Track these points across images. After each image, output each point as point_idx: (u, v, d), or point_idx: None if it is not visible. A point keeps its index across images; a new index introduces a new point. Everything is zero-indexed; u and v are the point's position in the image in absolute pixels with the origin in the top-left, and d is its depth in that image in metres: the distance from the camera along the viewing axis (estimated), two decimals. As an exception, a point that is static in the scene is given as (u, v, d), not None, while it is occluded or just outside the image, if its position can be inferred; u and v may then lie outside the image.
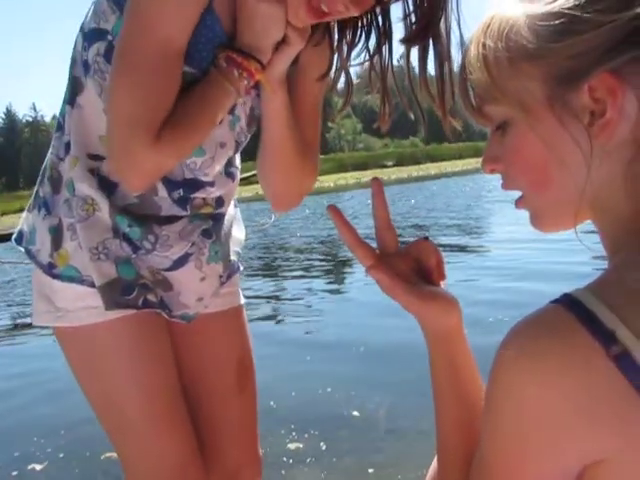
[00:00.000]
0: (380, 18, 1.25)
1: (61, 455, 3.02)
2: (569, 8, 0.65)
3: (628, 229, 0.67)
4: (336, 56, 1.29)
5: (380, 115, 1.31)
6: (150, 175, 1.19)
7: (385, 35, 1.25)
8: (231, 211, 1.52)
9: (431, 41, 1.17)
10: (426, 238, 0.87)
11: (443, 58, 1.18)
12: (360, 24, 1.26)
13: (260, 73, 1.21)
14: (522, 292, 4.99)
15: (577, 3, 0.65)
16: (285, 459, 2.77)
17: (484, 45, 0.71)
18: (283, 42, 1.21)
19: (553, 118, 0.67)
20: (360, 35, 1.27)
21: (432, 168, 42.82)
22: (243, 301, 1.59)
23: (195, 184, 1.35)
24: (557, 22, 0.65)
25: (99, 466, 2.84)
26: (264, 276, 7.66)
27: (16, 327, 6.59)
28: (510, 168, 0.74)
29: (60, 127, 1.35)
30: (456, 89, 1.16)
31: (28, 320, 6.48)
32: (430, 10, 1.15)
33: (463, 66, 0.75)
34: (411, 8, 1.18)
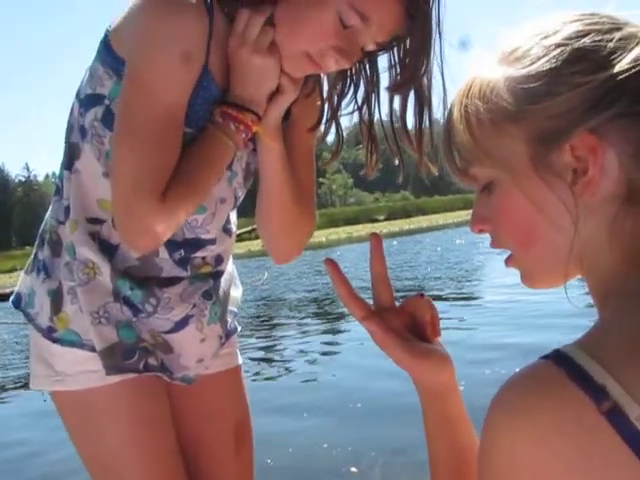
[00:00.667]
0: (368, 68, 1.27)
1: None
2: (547, 71, 0.67)
3: (613, 283, 0.67)
4: (327, 106, 1.31)
5: (367, 163, 1.33)
6: (158, 236, 1.19)
7: (372, 85, 1.28)
8: (229, 268, 1.52)
9: (413, 91, 1.20)
10: (422, 295, 0.87)
11: (423, 104, 1.20)
12: (349, 74, 1.29)
13: (256, 124, 1.22)
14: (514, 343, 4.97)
15: (554, 66, 0.67)
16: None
17: (466, 107, 0.72)
18: (277, 91, 1.23)
19: (537, 178, 0.68)
20: (349, 85, 1.30)
21: (423, 221, 43.07)
22: (241, 361, 1.57)
23: (196, 243, 1.35)
24: (536, 84, 0.67)
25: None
26: (259, 333, 7.62)
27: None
28: (498, 228, 0.75)
29: (58, 191, 1.35)
30: (435, 135, 1.20)
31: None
32: (414, 61, 1.18)
33: (447, 129, 0.76)
34: (396, 59, 1.21)
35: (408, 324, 0.85)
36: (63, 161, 1.34)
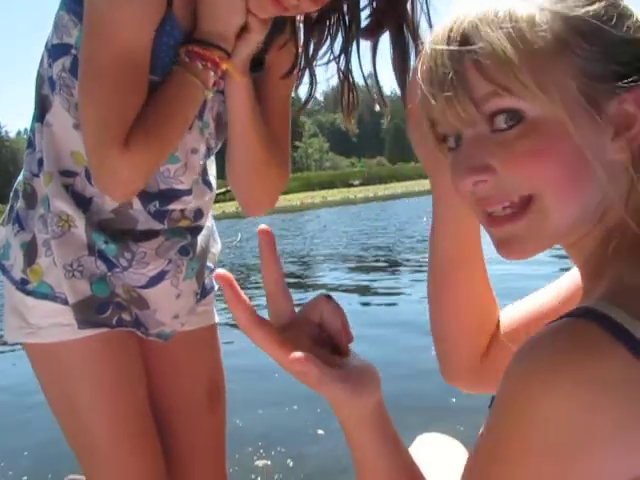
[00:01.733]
0: (347, 19, 1.25)
1: (24, 478, 2.96)
2: (614, 13, 0.65)
3: (624, 237, 0.66)
4: (302, 54, 1.30)
5: (344, 115, 1.31)
6: (130, 183, 1.17)
7: (351, 34, 1.26)
8: (208, 224, 1.51)
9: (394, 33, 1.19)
10: (327, 297, 0.72)
11: (403, 46, 1.19)
12: (328, 24, 1.27)
13: (226, 61, 1.20)
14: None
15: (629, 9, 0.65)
16: (253, 476, 2.76)
17: (510, 32, 0.63)
18: (245, 30, 1.21)
19: (587, 120, 0.64)
20: (327, 34, 1.28)
21: (399, 187, 43.10)
22: (217, 320, 1.57)
23: (170, 194, 1.34)
24: (600, 23, 0.64)
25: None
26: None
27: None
28: (529, 172, 0.65)
29: (31, 144, 1.34)
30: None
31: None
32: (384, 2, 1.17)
33: (462, 51, 0.65)
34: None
35: (315, 335, 0.71)
36: (34, 113, 1.32)
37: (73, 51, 1.21)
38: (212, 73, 1.19)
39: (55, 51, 1.24)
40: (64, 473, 2.81)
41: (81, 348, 1.31)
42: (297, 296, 7.43)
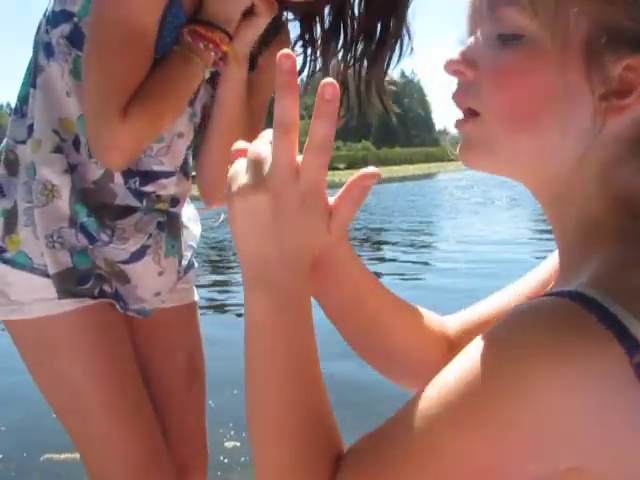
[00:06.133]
0: (342, 22, 1.28)
1: (0, 456, 2.94)
2: None
3: (604, 228, 0.62)
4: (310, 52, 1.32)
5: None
6: (125, 152, 1.18)
7: (347, 36, 1.28)
8: (186, 209, 1.51)
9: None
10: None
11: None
12: (320, 24, 1.29)
13: (226, 44, 1.21)
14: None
15: None
16: (222, 458, 2.76)
17: None
18: (251, 13, 1.22)
19: (582, 67, 0.59)
20: (323, 35, 1.30)
21: (383, 172, 43.11)
22: (197, 298, 1.58)
23: (150, 174, 1.34)
24: None
25: (38, 467, 2.77)
26: (212, 273, 7.61)
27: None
28: (493, 86, 0.63)
29: (18, 110, 1.33)
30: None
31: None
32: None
33: None
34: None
35: None
36: (26, 80, 1.32)
37: (75, 19, 1.21)
38: (213, 54, 1.21)
39: (55, 18, 1.24)
40: (40, 453, 2.81)
41: (67, 321, 1.29)
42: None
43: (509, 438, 0.52)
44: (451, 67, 0.66)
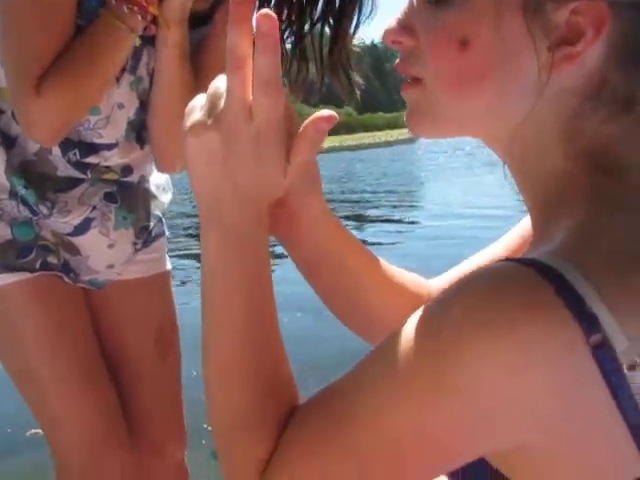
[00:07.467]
0: None
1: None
2: None
3: (573, 188, 0.58)
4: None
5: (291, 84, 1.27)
6: (44, 125, 1.14)
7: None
8: (151, 177, 1.47)
9: None
10: None
11: None
12: None
13: (154, 6, 1.15)
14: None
15: None
16: (206, 425, 2.76)
17: None
18: None
19: (521, 19, 0.55)
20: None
21: (366, 137, 43.02)
22: (169, 267, 1.55)
23: (89, 147, 1.29)
24: None
25: (24, 442, 2.76)
26: (194, 238, 7.58)
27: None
28: (432, 51, 0.60)
29: None
30: None
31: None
32: None
33: None
34: None
35: None
36: None
37: None
38: (140, 18, 1.14)
39: None
40: (27, 428, 2.80)
41: (9, 293, 1.27)
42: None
43: (453, 410, 0.50)
44: (389, 38, 0.63)
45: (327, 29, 1.20)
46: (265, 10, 0.52)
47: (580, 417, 0.49)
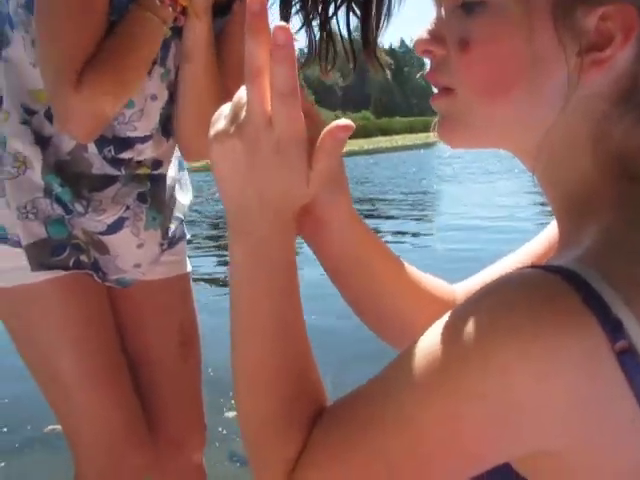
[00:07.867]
0: None
1: (4, 429, 2.96)
2: None
3: (600, 195, 0.58)
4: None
5: (322, 64, 1.28)
6: (84, 121, 1.15)
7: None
8: (173, 174, 1.49)
9: None
10: None
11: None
12: None
13: None
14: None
15: None
16: (221, 429, 2.77)
17: None
18: None
19: (551, 25, 0.56)
20: None
21: (383, 141, 42.97)
22: (190, 269, 1.56)
23: (124, 141, 1.31)
24: None
25: (41, 438, 2.79)
26: (212, 241, 7.60)
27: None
28: (461, 60, 0.60)
29: None
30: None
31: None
32: None
33: None
34: None
35: None
36: None
37: None
38: (170, 9, 1.17)
39: None
40: (44, 424, 2.82)
41: (39, 291, 1.29)
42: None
43: (478, 415, 0.50)
44: (420, 48, 0.64)
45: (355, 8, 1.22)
46: (281, 23, 0.54)
47: (604, 422, 0.49)
